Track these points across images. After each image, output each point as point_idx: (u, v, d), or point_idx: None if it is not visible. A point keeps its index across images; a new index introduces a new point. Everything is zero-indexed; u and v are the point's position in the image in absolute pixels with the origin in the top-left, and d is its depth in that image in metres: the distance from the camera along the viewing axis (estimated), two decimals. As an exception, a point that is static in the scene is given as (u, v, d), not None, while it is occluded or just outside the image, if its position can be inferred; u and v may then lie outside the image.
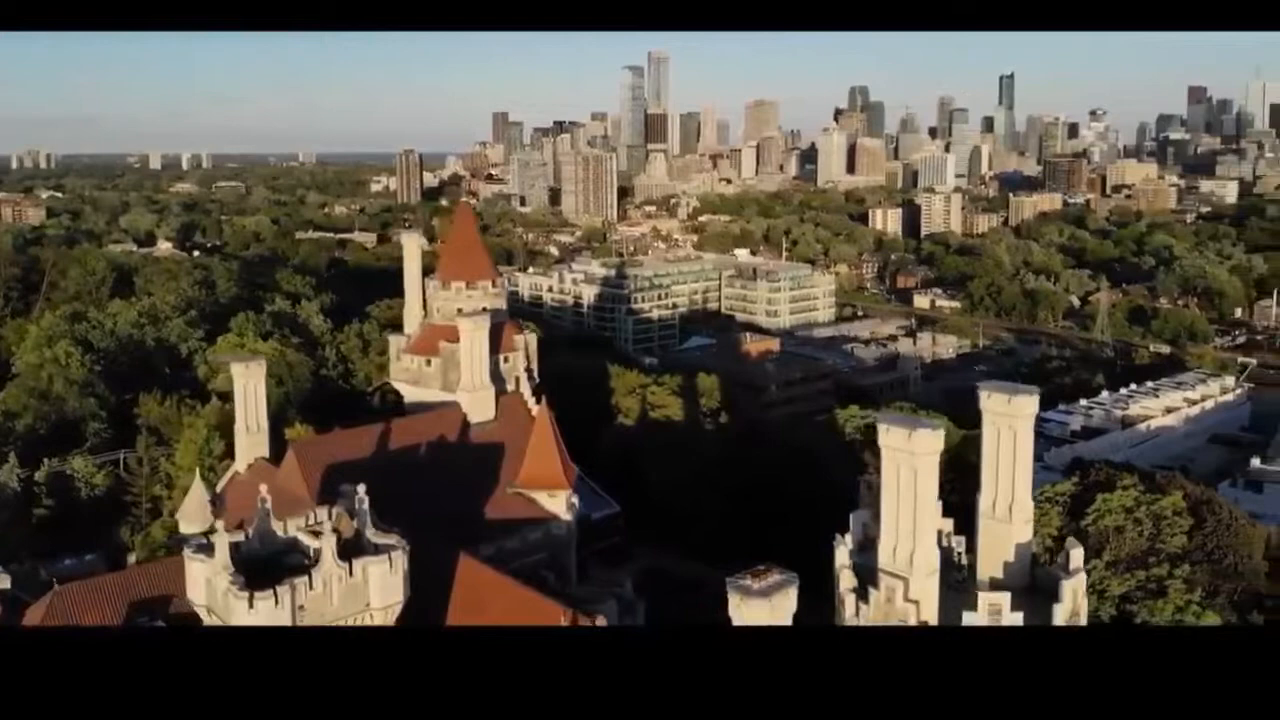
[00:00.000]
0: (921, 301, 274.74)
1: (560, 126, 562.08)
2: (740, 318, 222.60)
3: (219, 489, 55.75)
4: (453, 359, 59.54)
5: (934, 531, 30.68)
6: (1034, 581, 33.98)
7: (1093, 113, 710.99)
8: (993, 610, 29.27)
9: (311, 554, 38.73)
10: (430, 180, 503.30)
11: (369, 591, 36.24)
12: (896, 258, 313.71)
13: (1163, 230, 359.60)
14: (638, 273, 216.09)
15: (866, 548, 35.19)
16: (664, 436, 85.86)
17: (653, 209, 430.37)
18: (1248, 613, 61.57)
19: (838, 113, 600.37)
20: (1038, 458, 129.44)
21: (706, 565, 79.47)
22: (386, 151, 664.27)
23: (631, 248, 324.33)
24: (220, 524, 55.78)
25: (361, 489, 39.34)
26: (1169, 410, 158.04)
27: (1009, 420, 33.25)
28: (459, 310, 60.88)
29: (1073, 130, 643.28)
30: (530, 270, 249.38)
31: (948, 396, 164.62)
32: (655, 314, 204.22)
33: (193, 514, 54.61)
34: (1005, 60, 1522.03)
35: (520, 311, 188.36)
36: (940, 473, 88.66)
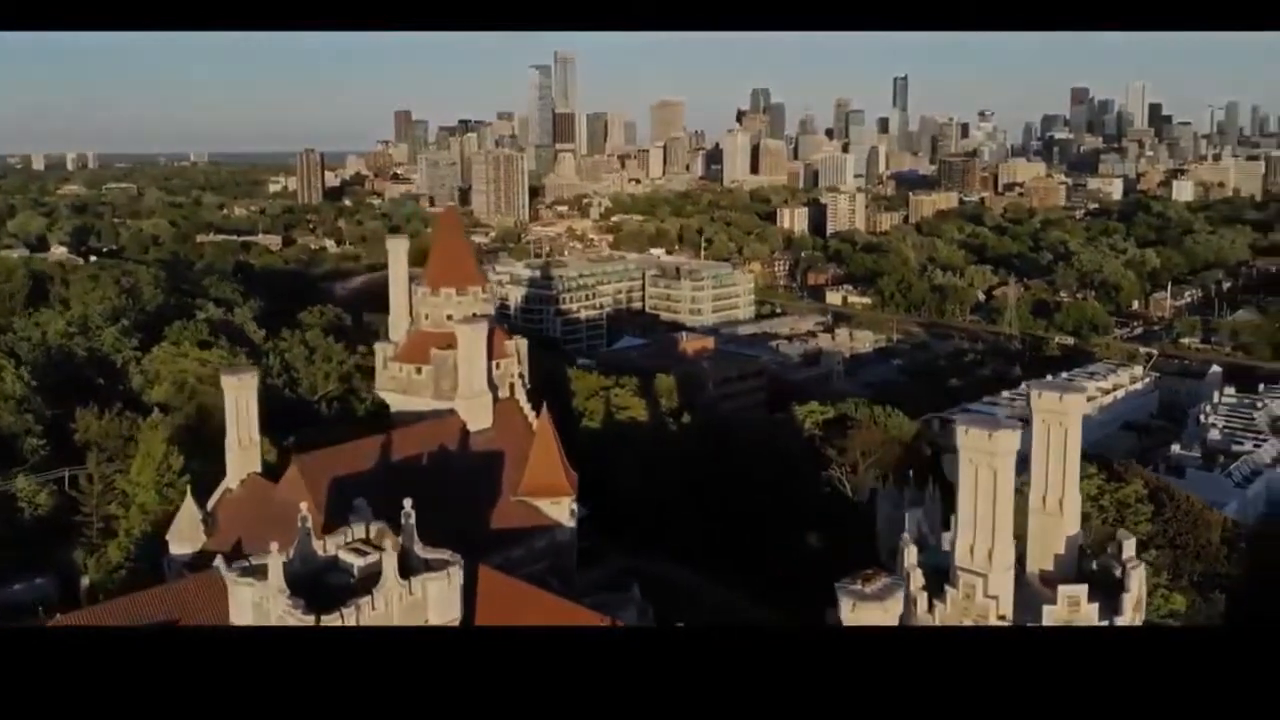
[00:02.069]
0: (833, 298, 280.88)
1: (466, 125, 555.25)
2: (665, 317, 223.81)
3: (209, 506, 53.57)
4: (444, 366, 58.43)
5: (1010, 528, 31.57)
6: (1082, 573, 35.19)
7: (981, 114, 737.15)
8: (1071, 602, 30.27)
9: (356, 572, 37.67)
10: (331, 180, 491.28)
11: (427, 608, 35.42)
12: (806, 255, 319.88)
13: (1056, 226, 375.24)
14: (563, 273, 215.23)
15: (922, 547, 35.98)
16: (632, 438, 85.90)
17: (564, 209, 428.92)
18: (1209, 592, 64.96)
19: (740, 114, 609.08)
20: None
21: (676, 565, 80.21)
22: (281, 151, 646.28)
23: (547, 248, 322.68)
24: (211, 542, 53.84)
25: (408, 503, 38.44)
26: (1088, 399, 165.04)
27: (1059, 417, 34.36)
28: (449, 316, 59.76)
29: (964, 130, 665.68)
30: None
31: (870, 389, 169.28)
32: (583, 314, 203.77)
33: (184, 533, 52.45)
34: (897, 62, 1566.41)
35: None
36: (903, 462, 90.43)
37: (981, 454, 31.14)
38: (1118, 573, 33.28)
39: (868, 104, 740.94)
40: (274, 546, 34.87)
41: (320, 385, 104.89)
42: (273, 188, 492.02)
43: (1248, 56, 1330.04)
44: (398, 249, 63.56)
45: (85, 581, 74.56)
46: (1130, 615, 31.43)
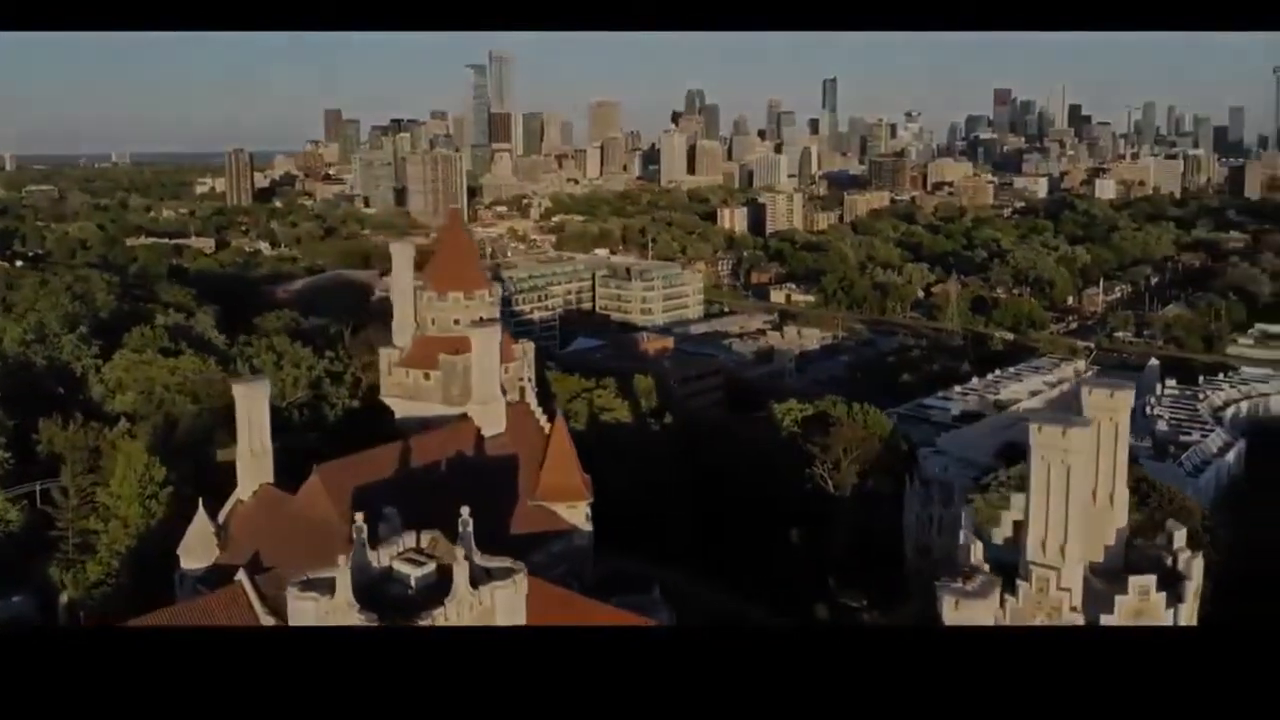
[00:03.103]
0: (777, 296, 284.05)
1: (399, 125, 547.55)
2: (616, 317, 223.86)
3: (220, 519, 52.17)
4: (454, 372, 57.71)
5: (1084, 523, 32.38)
6: (1129, 563, 36.25)
7: (908, 114, 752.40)
8: (1142, 591, 31.18)
9: (413, 582, 37.09)
10: (260, 181, 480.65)
11: (496, 616, 35.03)
12: (748, 255, 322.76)
13: (987, 225, 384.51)
14: (513, 274, 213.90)
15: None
16: (617, 439, 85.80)
17: (504, 209, 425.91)
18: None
19: (675, 115, 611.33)
20: (929, 443, 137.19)
21: (667, 566, 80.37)
22: (205, 151, 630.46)
23: (490, 249, 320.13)
24: (220, 555, 52.41)
25: (465, 511, 37.95)
26: (1033, 393, 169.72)
27: (1110, 413, 35.34)
28: (455, 321, 59.04)
29: (892, 131, 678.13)
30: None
31: (822, 386, 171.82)
32: (535, 315, 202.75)
33: (197, 547, 51.00)
34: (824, 63, 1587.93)
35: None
36: (882, 459, 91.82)
37: (1055, 450, 31.90)
38: (1169, 562, 34.34)
39: (797, 105, 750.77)
40: (341, 560, 34.10)
41: (289, 392, 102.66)
42: (200, 189, 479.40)
43: (1164, 57, 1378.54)
44: (401, 253, 62.47)
45: (64, 599, 71.99)
46: (1191, 603, 32.52)
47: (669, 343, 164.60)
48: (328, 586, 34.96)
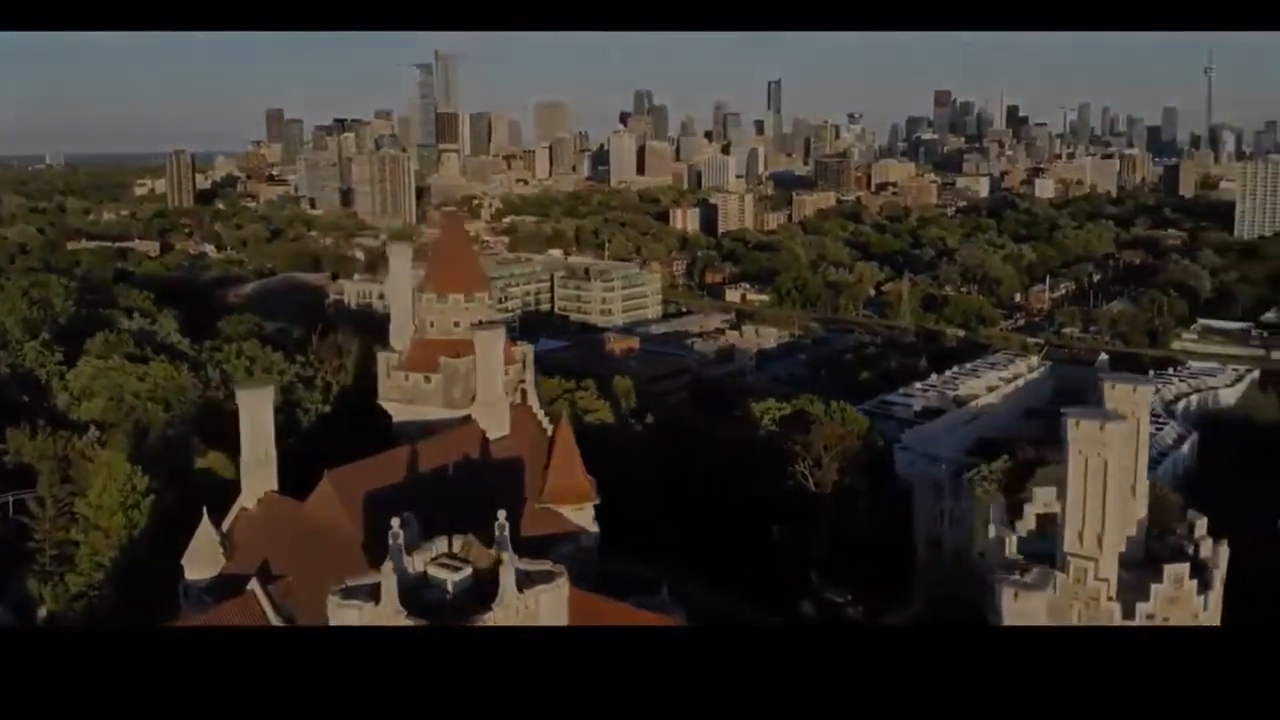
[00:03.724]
0: (732, 296, 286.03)
1: (343, 125, 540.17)
2: (575, 318, 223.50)
3: (224, 528, 51.27)
4: (455, 374, 57.35)
5: (1120, 514, 33.31)
6: (1151, 553, 37.36)
7: (850, 115, 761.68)
8: (1175, 579, 32.21)
9: (450, 587, 36.90)
10: (201, 182, 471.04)
11: (540, 619, 35.01)
12: (702, 255, 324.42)
13: (933, 224, 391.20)
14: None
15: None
16: (602, 440, 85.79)
17: (453, 210, 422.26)
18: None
19: (624, 116, 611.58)
20: (895, 439, 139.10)
21: (656, 567, 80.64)
22: (141, 152, 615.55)
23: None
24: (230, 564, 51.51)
25: (502, 515, 37.86)
26: (990, 389, 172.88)
27: (1131, 407, 36.39)
28: (455, 323, 58.67)
29: (835, 132, 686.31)
30: (356, 277, 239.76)
31: (784, 384, 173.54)
32: (495, 317, 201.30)
33: (202, 557, 50.03)
34: (768, 64, 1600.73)
35: (353, 318, 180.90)
36: (861, 456, 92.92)
37: (1093, 444, 32.79)
38: (1190, 550, 35.48)
39: (742, 107, 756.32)
40: (387, 566, 33.82)
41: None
42: (139, 190, 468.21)
43: (1098, 58, 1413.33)
44: (400, 255, 61.87)
45: (42, 612, 70.21)
46: (1219, 589, 33.66)
47: (635, 343, 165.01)
48: (369, 594, 34.62)
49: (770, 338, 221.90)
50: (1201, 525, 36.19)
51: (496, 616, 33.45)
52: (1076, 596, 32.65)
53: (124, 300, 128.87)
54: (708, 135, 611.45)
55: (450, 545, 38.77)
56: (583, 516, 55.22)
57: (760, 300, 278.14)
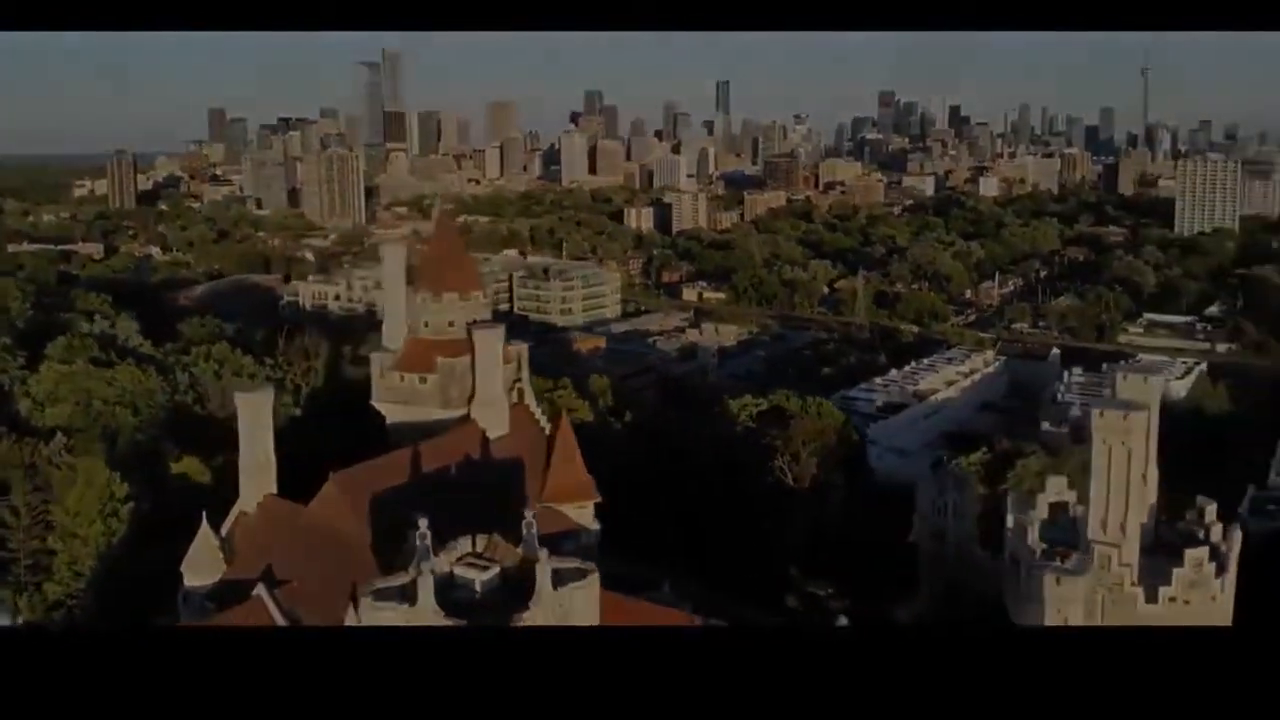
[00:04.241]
0: (689, 295, 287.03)
1: (287, 123, 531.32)
2: (534, 318, 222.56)
3: (224, 533, 50.40)
4: (452, 374, 56.96)
5: (1142, 501, 34.22)
6: (1161, 538, 38.44)
7: (796, 116, 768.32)
8: (1195, 563, 33.19)
9: (478, 587, 36.74)
10: (143, 183, 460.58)
11: (572, 617, 34.98)
12: (658, 254, 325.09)
13: (881, 222, 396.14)
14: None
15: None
16: (584, 439, 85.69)
17: (403, 210, 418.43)
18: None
19: (574, 115, 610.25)
20: (862, 434, 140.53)
21: (646, 566, 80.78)
22: (76, 153, 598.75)
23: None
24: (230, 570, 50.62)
25: (531, 514, 37.77)
26: (949, 383, 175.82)
27: (1143, 397, 37.41)
28: (450, 323, 58.24)
29: (783, 133, 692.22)
30: (310, 278, 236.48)
31: (745, 381, 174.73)
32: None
33: (202, 563, 49.14)
34: (715, 65, 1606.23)
35: (308, 320, 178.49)
36: (837, 450, 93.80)
37: (1116, 434, 33.66)
38: (1200, 535, 36.57)
39: (690, 107, 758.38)
40: (425, 567, 33.53)
41: (231, 401, 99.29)
42: (79, 192, 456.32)
43: (1037, 58, 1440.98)
44: (393, 255, 61.17)
45: (19, 621, 68.44)
46: (1234, 572, 34.75)
47: (601, 342, 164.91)
48: (402, 595, 34.33)
49: (730, 335, 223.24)
50: (1211, 510, 37.34)
51: (534, 616, 33.35)
52: (1100, 581, 33.50)
53: (81, 304, 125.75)
54: (658, 135, 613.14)
55: (474, 545, 38.51)
56: (584, 514, 55.16)
57: (717, 298, 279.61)
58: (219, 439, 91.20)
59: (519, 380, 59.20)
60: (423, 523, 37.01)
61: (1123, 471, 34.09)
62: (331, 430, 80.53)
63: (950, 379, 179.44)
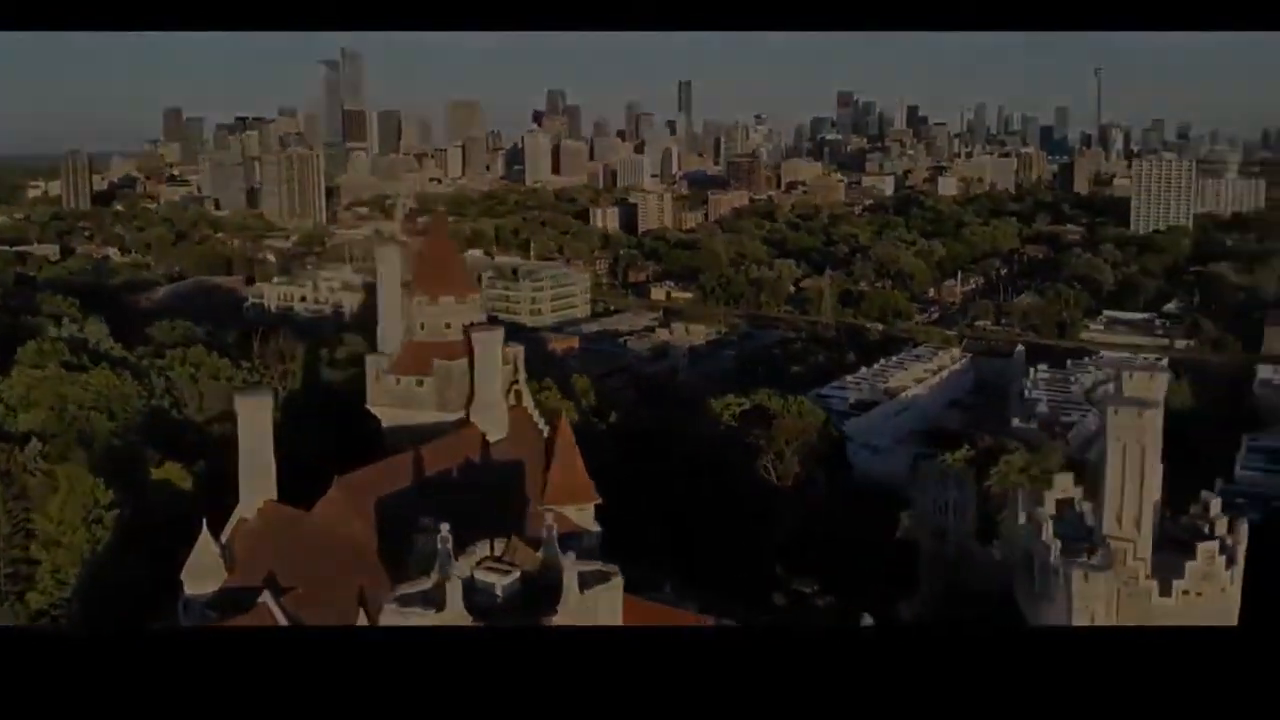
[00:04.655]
0: (657, 294, 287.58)
1: (245, 123, 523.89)
2: (504, 318, 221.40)
3: (224, 539, 49.79)
4: (449, 377, 56.71)
5: (1154, 496, 34.99)
6: (1166, 532, 39.32)
7: (757, 116, 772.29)
8: (1208, 556, 34.03)
9: (499, 591, 36.68)
10: (98, 183, 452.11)
11: (598, 619, 35.08)
12: (624, 254, 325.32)
13: (844, 221, 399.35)
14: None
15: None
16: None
17: (365, 210, 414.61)
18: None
19: (537, 115, 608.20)
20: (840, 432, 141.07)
21: (635, 567, 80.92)
22: (23, 154, 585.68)
23: (357, 252, 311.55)
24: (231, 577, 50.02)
25: (549, 518, 37.71)
26: (918, 380, 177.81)
27: (1149, 394, 38.25)
28: (447, 325, 57.95)
29: (745, 133, 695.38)
30: (275, 279, 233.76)
31: (717, 380, 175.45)
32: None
33: (203, 571, 48.51)
34: (675, 65, 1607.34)
35: (274, 322, 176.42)
36: (818, 448, 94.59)
37: (1131, 431, 34.38)
38: (1206, 529, 37.48)
39: (652, 107, 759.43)
40: (450, 571, 33.41)
41: (208, 405, 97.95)
42: (32, 193, 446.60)
43: (992, 58, 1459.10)
44: (389, 257, 60.72)
45: (-2, 632, 67.00)
46: (1241, 564, 35.67)
47: (574, 342, 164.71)
48: (428, 600, 34.18)
49: (699, 335, 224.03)
50: (1216, 504, 38.27)
51: (562, 619, 33.39)
52: (1115, 575, 34.21)
53: (48, 306, 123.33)
54: (620, 135, 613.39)
55: (492, 549, 38.43)
56: (585, 516, 55.21)
57: (685, 298, 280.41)
58: (197, 444, 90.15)
59: (516, 382, 59.05)
60: (444, 527, 36.93)
61: (1136, 467, 34.89)
62: (311, 433, 79.66)
63: (919, 376, 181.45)
